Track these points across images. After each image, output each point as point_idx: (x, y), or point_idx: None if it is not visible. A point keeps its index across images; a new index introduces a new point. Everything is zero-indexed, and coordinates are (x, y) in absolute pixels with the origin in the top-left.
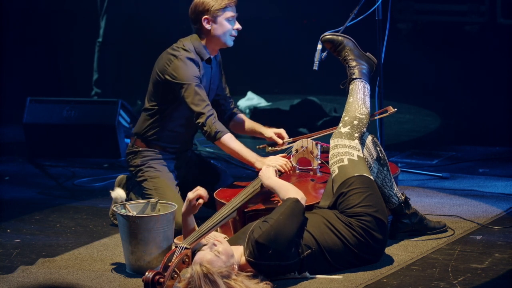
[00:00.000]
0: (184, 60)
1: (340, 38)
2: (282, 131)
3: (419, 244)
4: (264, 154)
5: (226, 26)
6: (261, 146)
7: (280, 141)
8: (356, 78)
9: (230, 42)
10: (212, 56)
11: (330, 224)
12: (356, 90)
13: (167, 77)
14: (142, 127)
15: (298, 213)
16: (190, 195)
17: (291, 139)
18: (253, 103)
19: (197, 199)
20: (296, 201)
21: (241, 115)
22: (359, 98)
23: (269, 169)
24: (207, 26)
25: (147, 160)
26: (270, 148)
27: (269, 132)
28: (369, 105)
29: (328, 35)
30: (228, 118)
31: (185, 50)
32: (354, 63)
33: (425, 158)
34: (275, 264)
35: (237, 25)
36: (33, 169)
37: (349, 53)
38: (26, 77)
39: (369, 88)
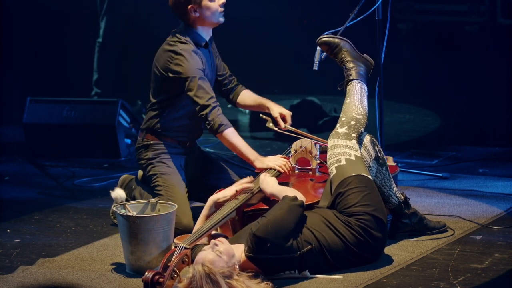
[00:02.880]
0: (184, 54)
1: (336, 40)
2: (288, 114)
3: (419, 244)
4: (264, 153)
5: (213, 7)
6: (264, 116)
7: (282, 124)
8: (353, 79)
9: (221, 19)
10: (207, 40)
11: (330, 223)
12: (353, 91)
13: (170, 74)
14: (149, 121)
15: (296, 208)
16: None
17: (292, 128)
18: None
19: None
20: (294, 198)
21: (247, 91)
22: (356, 99)
23: (270, 178)
24: (196, 14)
25: (159, 154)
26: (271, 124)
27: (276, 111)
28: (366, 105)
29: (324, 37)
30: (235, 96)
31: (182, 42)
32: (351, 65)
33: (425, 158)
34: (274, 258)
35: (221, 0)
36: (33, 169)
37: (346, 54)
38: (26, 77)
39: (366, 89)
